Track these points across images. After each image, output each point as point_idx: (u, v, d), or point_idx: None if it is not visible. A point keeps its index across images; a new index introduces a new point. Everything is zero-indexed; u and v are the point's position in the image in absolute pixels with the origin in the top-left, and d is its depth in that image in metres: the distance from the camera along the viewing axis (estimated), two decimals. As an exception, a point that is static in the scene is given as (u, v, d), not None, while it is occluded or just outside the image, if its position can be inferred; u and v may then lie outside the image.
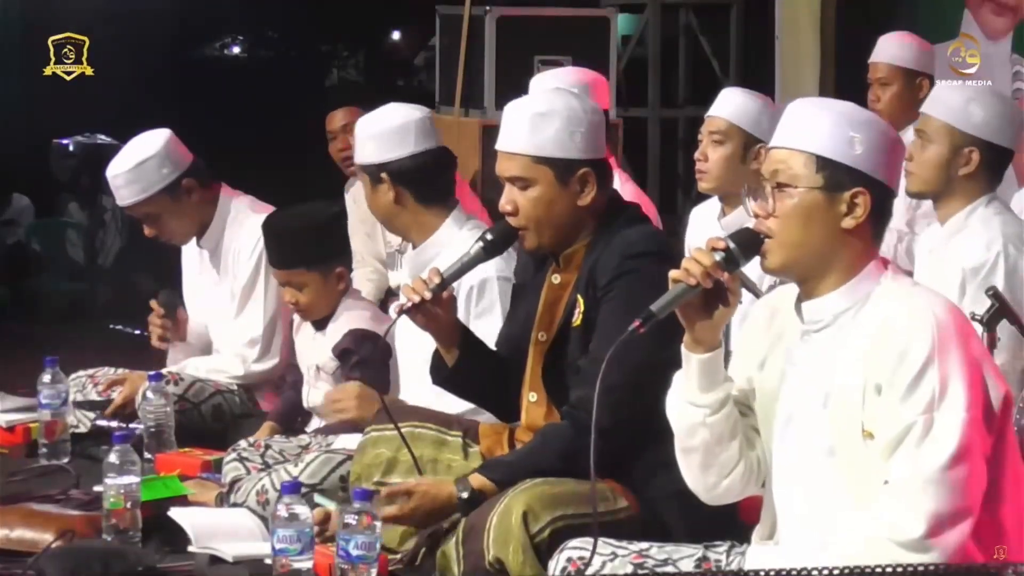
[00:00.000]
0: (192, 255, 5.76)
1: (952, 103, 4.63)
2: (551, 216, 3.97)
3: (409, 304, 4.00)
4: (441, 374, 4.17)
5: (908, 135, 5.99)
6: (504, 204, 4.01)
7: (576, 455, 3.63)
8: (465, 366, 4.12)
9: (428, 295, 3.97)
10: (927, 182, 4.63)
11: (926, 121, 4.67)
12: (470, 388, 4.20)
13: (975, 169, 4.56)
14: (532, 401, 4.07)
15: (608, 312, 3.83)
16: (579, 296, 3.93)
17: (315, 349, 5.11)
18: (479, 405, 4.22)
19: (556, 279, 4.04)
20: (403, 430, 4.10)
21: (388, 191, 4.70)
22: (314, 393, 5.10)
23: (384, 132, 4.74)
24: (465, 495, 3.84)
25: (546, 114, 3.96)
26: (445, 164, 4.82)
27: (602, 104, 5.47)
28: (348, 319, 5.06)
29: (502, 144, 4.03)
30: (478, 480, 3.86)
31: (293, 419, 5.20)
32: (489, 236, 4.06)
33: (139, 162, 5.48)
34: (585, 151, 3.98)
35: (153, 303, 5.64)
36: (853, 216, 3.16)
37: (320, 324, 5.12)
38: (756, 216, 3.22)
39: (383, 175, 4.70)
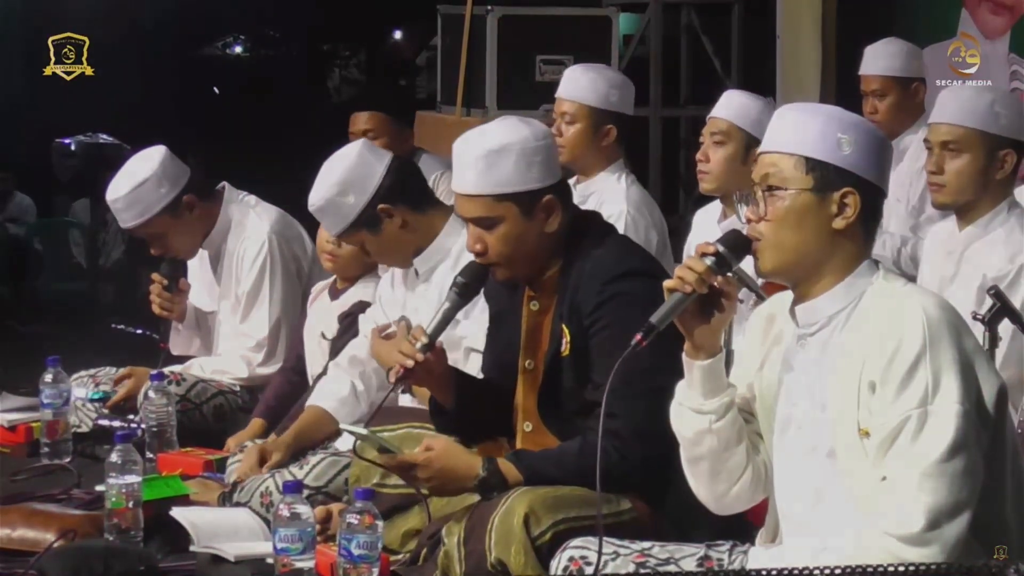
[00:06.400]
0: (196, 257, 5.76)
1: (977, 108, 4.57)
2: (522, 250, 3.93)
3: (402, 370, 3.94)
4: (444, 421, 4.13)
5: (906, 142, 6.02)
6: (472, 245, 3.96)
7: (613, 482, 3.63)
8: (465, 408, 4.07)
9: (420, 357, 3.93)
10: (962, 192, 4.57)
11: (945, 131, 4.59)
12: (473, 427, 4.13)
13: (1010, 172, 4.54)
14: (528, 431, 4.03)
15: (604, 339, 3.80)
16: (564, 326, 3.90)
17: (326, 316, 5.12)
18: (484, 439, 4.14)
19: (535, 305, 4.01)
20: (401, 431, 4.13)
21: (394, 220, 4.61)
22: (315, 365, 5.12)
23: (352, 174, 4.63)
24: (484, 474, 3.81)
25: (500, 149, 3.90)
26: (411, 165, 4.79)
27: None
28: (362, 291, 5.09)
29: (459, 186, 3.97)
30: (505, 465, 3.83)
31: (283, 412, 5.17)
32: (461, 279, 4.02)
33: (137, 184, 5.46)
34: (544, 178, 3.94)
35: (155, 275, 5.64)
36: (844, 216, 3.17)
37: (335, 294, 5.16)
38: (748, 221, 3.24)
39: (379, 208, 4.60)
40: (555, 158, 4.02)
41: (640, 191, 5.50)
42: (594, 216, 4.14)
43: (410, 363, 3.93)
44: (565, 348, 3.90)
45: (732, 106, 5.27)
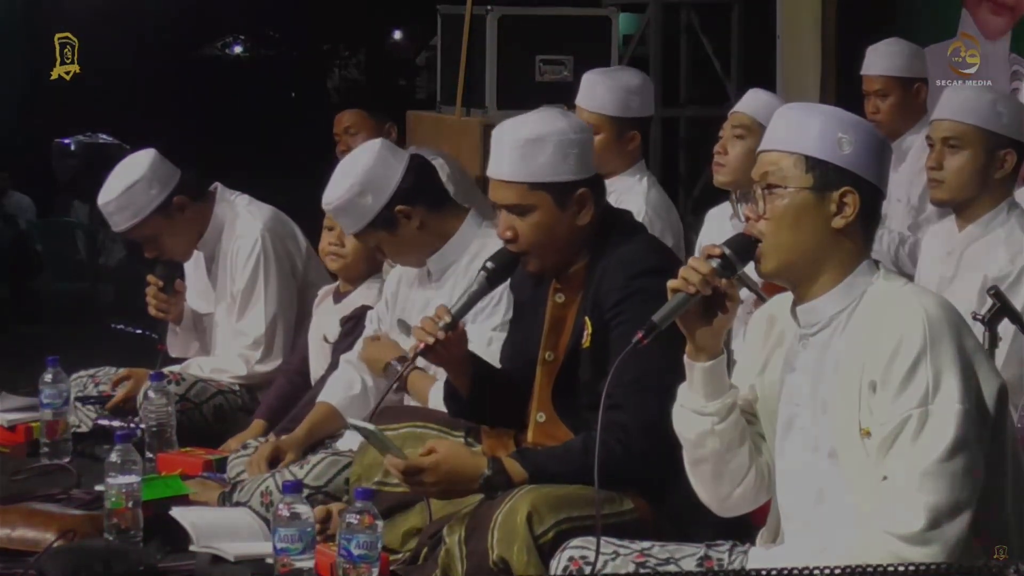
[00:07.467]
0: (192, 260, 5.75)
1: (979, 106, 4.57)
2: (552, 240, 3.96)
3: (422, 346, 3.96)
4: (458, 405, 4.15)
5: (908, 142, 6.02)
6: (503, 231, 3.99)
7: (616, 478, 3.63)
8: (480, 394, 4.09)
9: (441, 335, 3.95)
10: (961, 189, 4.56)
11: (946, 127, 4.59)
12: (486, 413, 4.15)
13: (1010, 172, 4.54)
14: (540, 421, 4.04)
15: (622, 335, 3.78)
16: (586, 318, 3.92)
17: (329, 320, 5.13)
18: (493, 426, 4.15)
19: (560, 298, 4.03)
20: (405, 430, 4.12)
21: (412, 222, 4.58)
22: (317, 368, 5.13)
23: (371, 174, 4.58)
24: (489, 472, 3.80)
25: (537, 139, 3.93)
26: (429, 165, 4.78)
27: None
28: (365, 294, 5.10)
29: (495, 172, 3.99)
30: (510, 463, 3.83)
31: (283, 413, 5.17)
32: (491, 265, 4.03)
33: (127, 187, 5.45)
34: (579, 171, 3.96)
35: (151, 277, 5.64)
36: (843, 216, 3.18)
37: (338, 298, 5.17)
38: (747, 219, 3.24)
39: (397, 210, 4.57)
40: (591, 152, 4.04)
41: (660, 193, 5.49)
42: (625, 214, 4.17)
43: (431, 339, 3.94)
44: (586, 340, 3.92)
45: (756, 103, 5.28)
